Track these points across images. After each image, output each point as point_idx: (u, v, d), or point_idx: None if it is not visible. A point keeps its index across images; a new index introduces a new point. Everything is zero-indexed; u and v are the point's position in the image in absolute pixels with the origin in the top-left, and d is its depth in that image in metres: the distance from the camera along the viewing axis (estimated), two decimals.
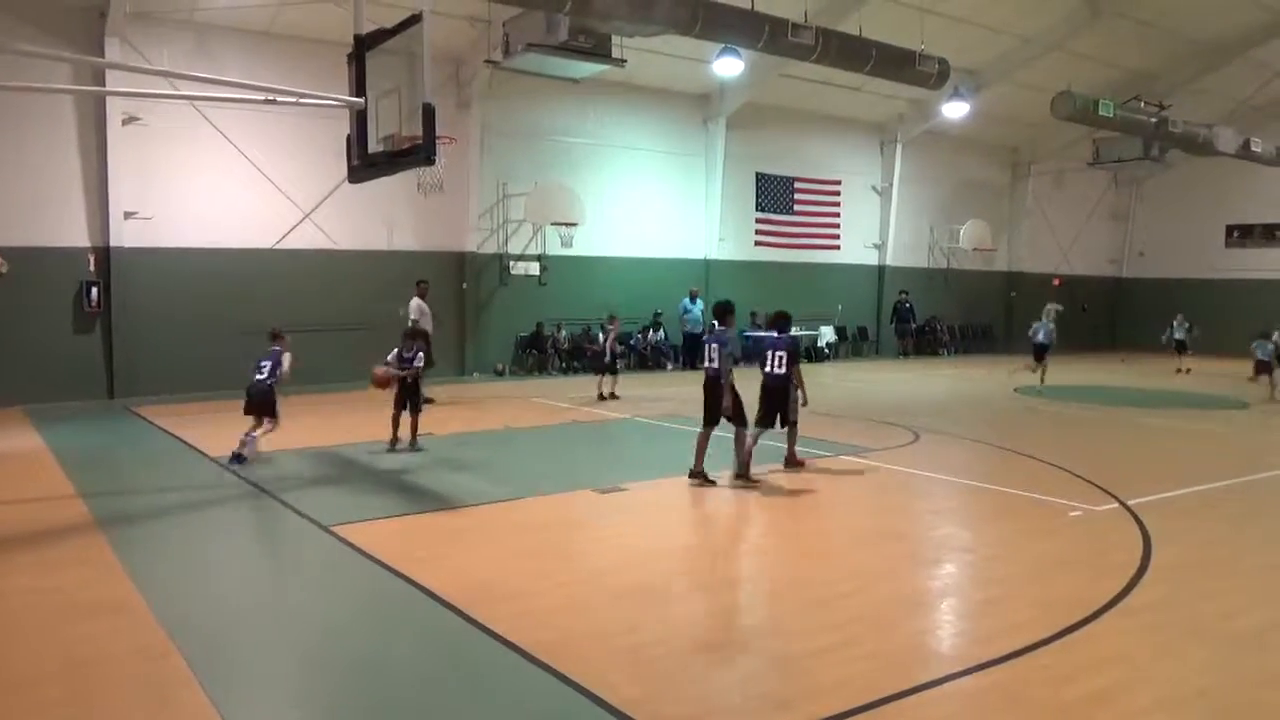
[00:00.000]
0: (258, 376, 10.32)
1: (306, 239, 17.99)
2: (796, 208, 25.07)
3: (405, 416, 11.06)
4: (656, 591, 6.38)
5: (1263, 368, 21.51)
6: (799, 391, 10.18)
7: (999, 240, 29.35)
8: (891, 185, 26.62)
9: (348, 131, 9.82)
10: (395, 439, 11.03)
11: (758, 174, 24.27)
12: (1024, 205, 30.10)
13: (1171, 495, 9.42)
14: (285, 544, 7.75)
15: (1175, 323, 24.76)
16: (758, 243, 24.41)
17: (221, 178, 17.10)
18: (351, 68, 9.66)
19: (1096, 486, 9.62)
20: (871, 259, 26.99)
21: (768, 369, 10.22)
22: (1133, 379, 21.77)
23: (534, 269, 20.80)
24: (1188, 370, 23.36)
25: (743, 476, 9.52)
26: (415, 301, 15.66)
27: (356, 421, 13.26)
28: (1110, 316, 30.20)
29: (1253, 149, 25.14)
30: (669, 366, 22.09)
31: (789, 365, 10.10)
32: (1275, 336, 20.55)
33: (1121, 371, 23.56)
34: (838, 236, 25.94)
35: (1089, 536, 7.91)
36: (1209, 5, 22.24)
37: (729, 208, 23.59)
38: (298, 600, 6.30)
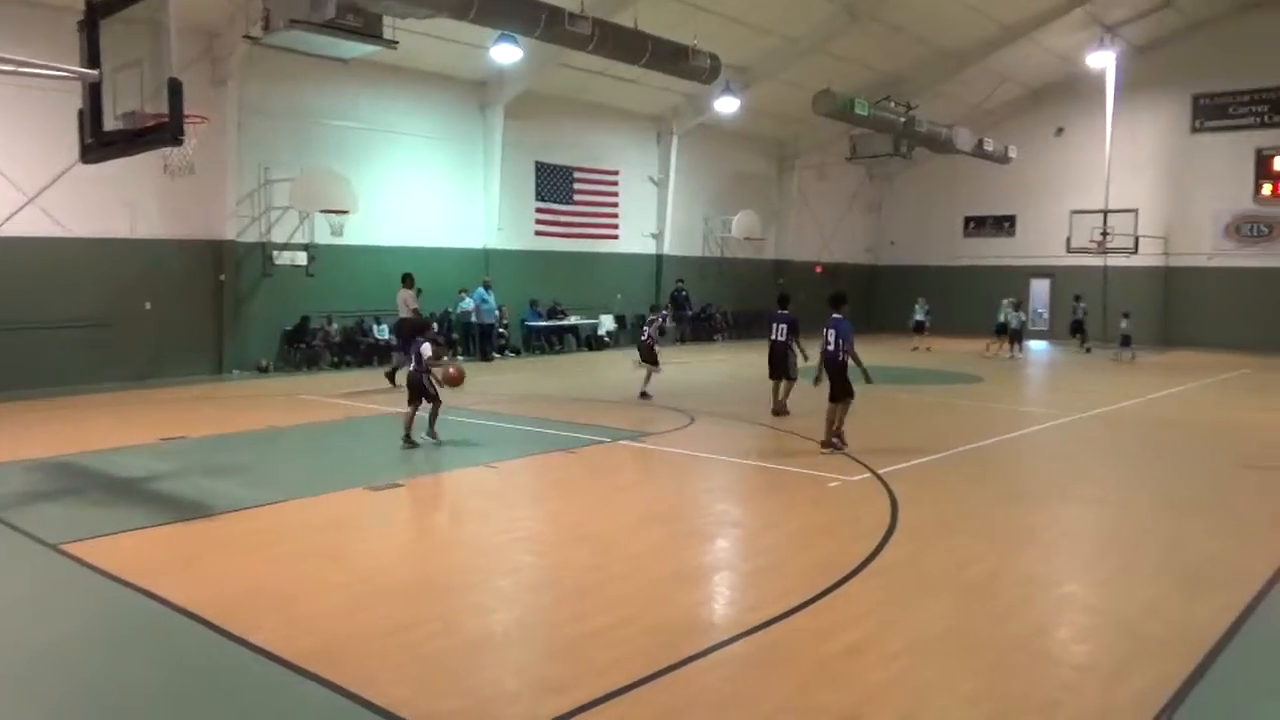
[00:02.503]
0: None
1: (31, 225, 16.18)
2: (576, 197, 25.29)
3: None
4: (431, 587, 6.26)
5: (1005, 332, 24.31)
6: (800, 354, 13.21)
7: (768, 230, 30.95)
8: (668, 176, 27.40)
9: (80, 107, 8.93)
10: (410, 436, 10.98)
11: (537, 163, 24.26)
12: (790, 197, 31.92)
13: (917, 463, 10.33)
14: None
15: (918, 305, 27.19)
16: (538, 232, 24.42)
17: None
18: (83, 36, 8.77)
19: (852, 458, 10.39)
20: (649, 248, 27.68)
21: (773, 336, 13.40)
22: (884, 358, 23.66)
23: (301, 259, 19.76)
24: (927, 348, 25.67)
25: (831, 444, 10.82)
26: (405, 293, 16.27)
27: (95, 428, 12.13)
28: (866, 302, 32.63)
29: (985, 148, 28.03)
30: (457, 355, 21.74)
31: (789, 335, 13.26)
32: (1019, 310, 23.42)
33: (881, 352, 25.58)
34: (616, 226, 26.40)
35: (846, 505, 8.54)
36: (951, 16, 24.47)
37: (508, 197, 23.43)
38: (6, 626, 5.67)
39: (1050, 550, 7.40)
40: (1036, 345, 27.90)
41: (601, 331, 25.74)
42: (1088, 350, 24.78)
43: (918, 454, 10.79)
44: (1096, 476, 10.32)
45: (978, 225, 33.80)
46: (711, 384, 18.16)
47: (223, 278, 18.54)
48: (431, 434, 11.13)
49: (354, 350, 20.26)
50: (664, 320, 16.85)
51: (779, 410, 13.49)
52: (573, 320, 25.05)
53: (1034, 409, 15.53)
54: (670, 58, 18.26)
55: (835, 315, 11.07)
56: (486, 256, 22.98)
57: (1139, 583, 6.52)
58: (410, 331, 11.64)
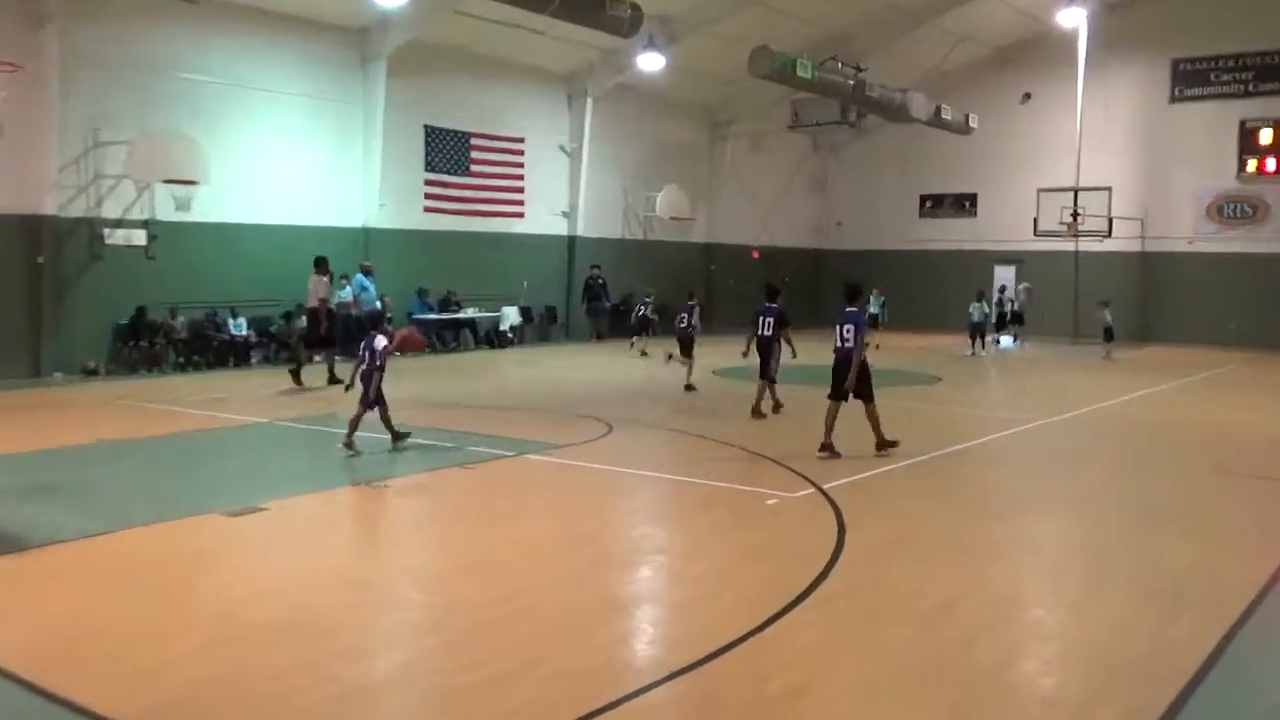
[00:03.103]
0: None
1: None
2: (473, 168, 25.14)
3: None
4: (299, 629, 6.15)
5: (975, 329, 24.95)
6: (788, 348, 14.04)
7: (697, 208, 31.25)
8: (581, 145, 27.44)
9: None
10: (350, 439, 11.25)
11: (427, 128, 24.05)
12: (723, 171, 32.27)
13: (866, 475, 10.56)
14: None
15: (871, 296, 27.74)
16: (428, 208, 24.22)
17: None
18: None
19: (793, 472, 10.56)
20: (560, 228, 27.70)
21: (759, 331, 14.05)
22: (829, 356, 24.13)
23: (139, 238, 19.16)
24: (875, 345, 26.26)
25: (829, 447, 11.38)
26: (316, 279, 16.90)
27: None
28: (810, 292, 33.19)
29: (943, 116, 28.80)
30: (315, 358, 21.37)
31: (776, 329, 13.94)
32: (983, 301, 24.03)
33: (826, 350, 25.97)
34: (521, 203, 26.34)
35: (785, 525, 8.69)
36: None
37: (393, 167, 23.17)
38: None
39: (1014, 569, 7.64)
40: (1005, 341, 28.70)
41: (504, 326, 25.64)
42: (971, 354, 24.75)
43: (867, 465, 11.02)
44: (1066, 486, 10.69)
45: (935, 204, 34.69)
46: (633, 386, 18.22)
47: (41, 260, 17.88)
48: (348, 443, 11.25)
49: (204, 348, 19.77)
50: (698, 312, 18.39)
51: (757, 411, 14.14)
52: (470, 313, 24.90)
53: (998, 413, 15.98)
54: (584, 6, 18.31)
55: (850, 308, 11.50)
56: (367, 237, 22.69)
57: (1110, 603, 6.78)
58: (370, 324, 12.21)
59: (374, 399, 11.45)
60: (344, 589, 6.99)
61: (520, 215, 26.35)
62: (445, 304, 24.32)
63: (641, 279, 29.75)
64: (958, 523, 8.83)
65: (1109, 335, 25.06)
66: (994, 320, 27.45)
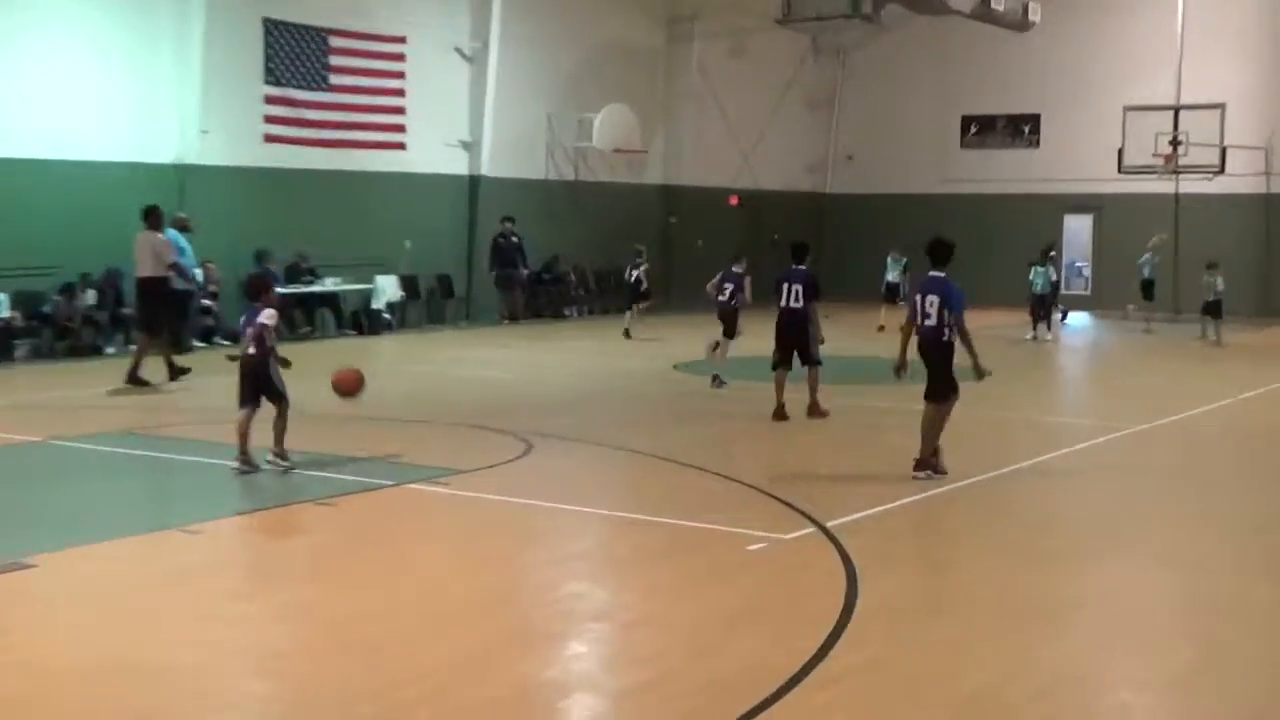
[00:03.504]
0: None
1: None
2: (333, 79, 25.02)
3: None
4: None
5: (1038, 303, 25.08)
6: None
7: (651, 138, 31.29)
8: (487, 47, 27.42)
9: None
10: (247, 456, 11.61)
11: (267, 23, 23.92)
12: (687, 84, 32.30)
13: (887, 509, 10.61)
14: None
15: (890, 259, 27.95)
16: (270, 137, 24.06)
17: None
18: None
19: (786, 504, 10.60)
20: (458, 166, 27.69)
21: (784, 303, 14.86)
22: (838, 342, 24.24)
23: None
24: (881, 328, 26.48)
25: (930, 465, 11.79)
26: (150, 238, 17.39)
27: None
28: (813, 252, 33.01)
29: (993, 6, 28.96)
30: (109, 350, 21.10)
31: (807, 300, 14.67)
32: (1049, 264, 24.23)
33: (833, 332, 26.11)
34: (402, 129, 26.24)
35: (776, 578, 8.70)
36: None
37: (218, 79, 23.03)
38: None
39: (1090, 639, 7.69)
40: (1075, 319, 29.06)
41: (379, 303, 25.54)
42: (1033, 338, 25.15)
43: (887, 494, 11.07)
44: (1159, 521, 10.81)
45: (983, 131, 35.05)
46: (563, 388, 18.21)
47: None
48: (279, 455, 11.73)
49: None
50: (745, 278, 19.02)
51: (813, 409, 14.95)
52: (330, 285, 24.70)
53: (1067, 418, 16.14)
54: None
55: (936, 274, 11.93)
56: (181, 179, 22.53)
57: (1227, 686, 6.84)
58: (250, 292, 12.59)
59: (276, 393, 11.80)
60: (149, 679, 6.90)
61: (400, 147, 26.26)
62: (295, 273, 24.11)
63: (572, 236, 29.79)
64: (1010, 573, 8.88)
65: (1214, 310, 25.16)
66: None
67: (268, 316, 11.75)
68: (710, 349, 17.93)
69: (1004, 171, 34.24)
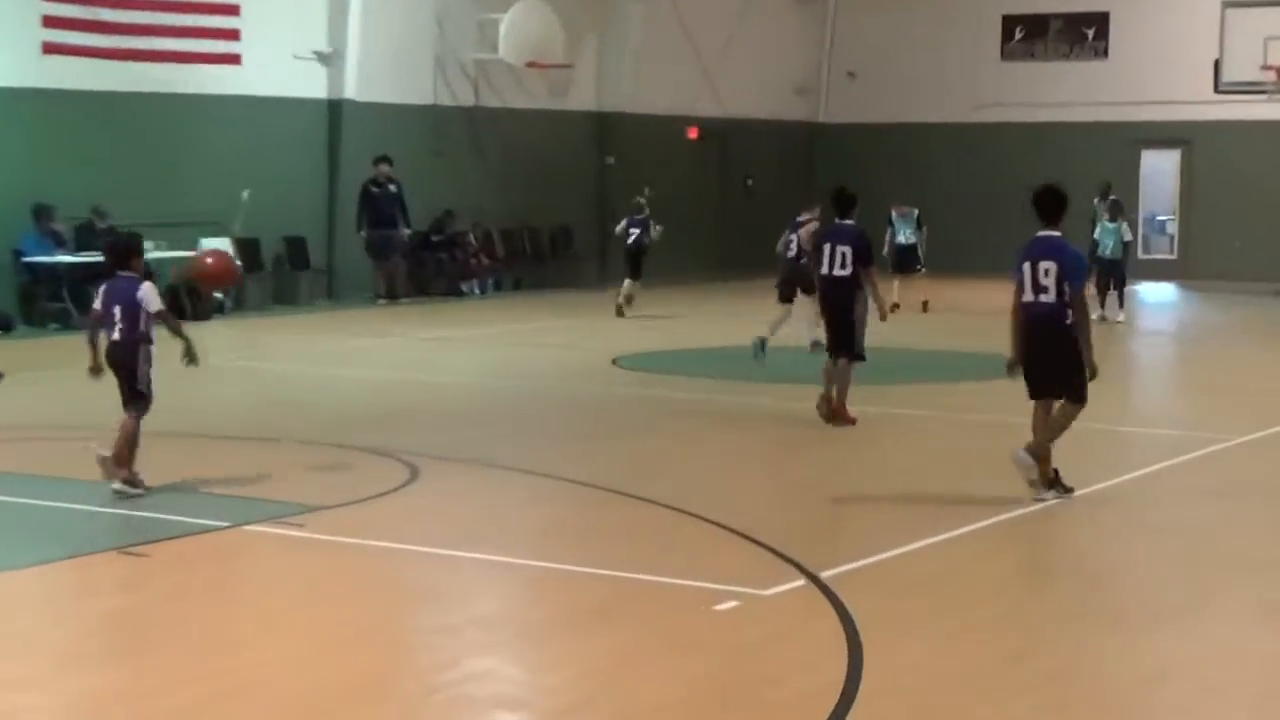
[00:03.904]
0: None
1: None
2: None
3: None
4: None
5: (1108, 272, 25.24)
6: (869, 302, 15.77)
7: (579, 49, 31.32)
8: None
9: None
10: (131, 475, 12.11)
11: None
12: None
13: (899, 554, 10.64)
14: None
15: (896, 216, 27.80)
16: (50, 47, 23.90)
17: None
18: None
19: (764, 547, 10.62)
20: (313, 86, 27.77)
21: (826, 270, 15.66)
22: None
23: None
24: (923, 303, 26.62)
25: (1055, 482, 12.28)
26: None
27: None
28: (798, 198, 33.12)
29: None
30: None
31: (857, 265, 15.54)
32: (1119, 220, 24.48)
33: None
34: (235, 35, 26.17)
35: (750, 647, 8.67)
36: None
37: None
38: None
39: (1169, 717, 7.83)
40: (1150, 290, 29.29)
41: None
42: (1100, 318, 25.42)
43: (902, 533, 11.15)
44: (1264, 565, 10.86)
45: (1031, 34, 35.23)
46: (461, 393, 18.29)
47: None
48: (125, 480, 12.10)
49: None
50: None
51: (837, 412, 15.65)
52: (220, 245, 24.54)
53: (1146, 427, 16.32)
54: None
55: (1049, 233, 12.34)
56: None
57: None
58: (112, 258, 13.02)
59: (141, 391, 12.31)
60: None
61: (233, 60, 26.23)
62: (88, 236, 23.95)
63: (471, 183, 29.83)
64: (1067, 638, 8.95)
65: None
66: None
67: (147, 291, 12.29)
68: (812, 347, 19.23)
69: (1060, 92, 34.44)
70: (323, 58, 27.64)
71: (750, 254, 30.93)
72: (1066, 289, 11.93)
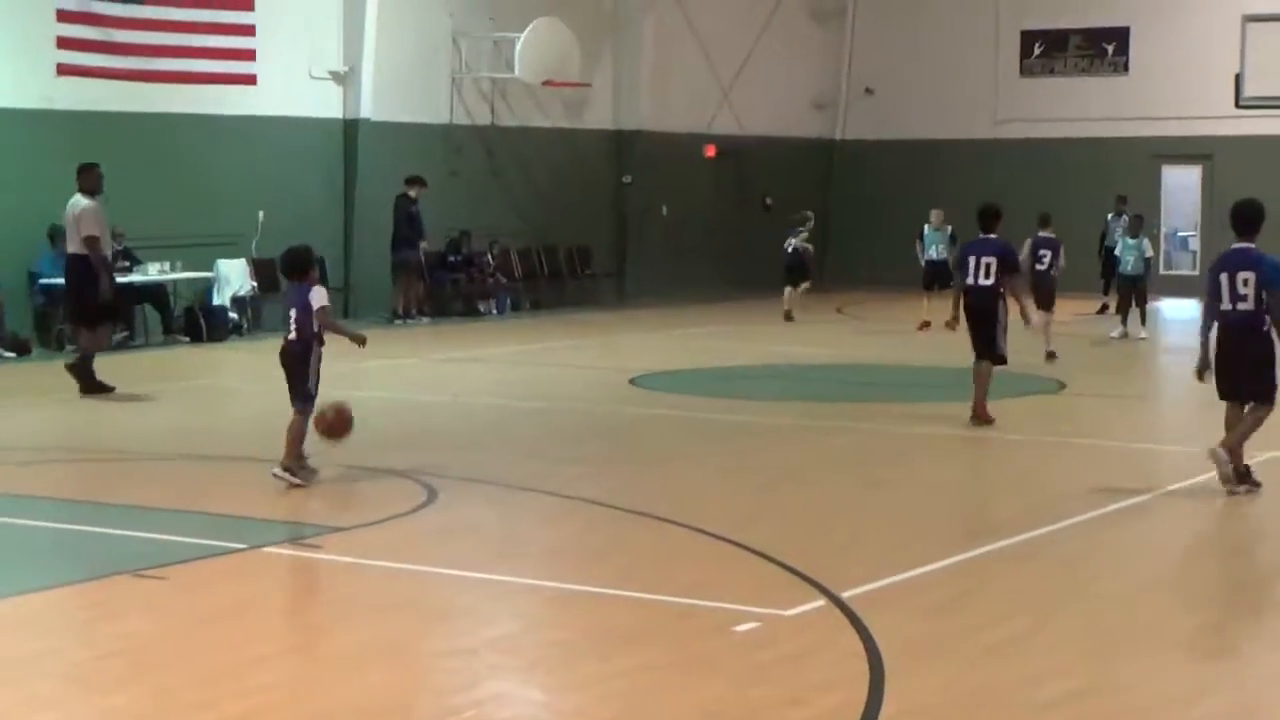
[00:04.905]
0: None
1: None
2: None
3: None
4: None
5: (1128, 287, 25.21)
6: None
7: (595, 67, 31.32)
8: None
9: None
10: (293, 464, 13.07)
11: None
12: None
13: (924, 573, 10.59)
14: None
15: (927, 229, 27.82)
16: (65, 69, 23.97)
17: None
18: None
19: (785, 568, 10.60)
20: (329, 106, 27.77)
21: (971, 280, 16.86)
22: (859, 342, 24.35)
23: None
24: (951, 320, 26.53)
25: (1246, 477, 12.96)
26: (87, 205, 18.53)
27: None
28: (819, 220, 33.18)
29: None
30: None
31: (1001, 277, 16.63)
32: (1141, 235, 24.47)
33: (842, 330, 26.18)
34: (250, 55, 26.22)
35: (769, 669, 8.62)
36: None
37: None
38: None
39: None
40: (1172, 306, 29.14)
41: (222, 298, 25.45)
42: (1122, 335, 25.31)
43: (928, 551, 11.12)
44: None
45: (1051, 50, 35.17)
46: (479, 413, 18.27)
47: None
48: (287, 469, 13.02)
49: None
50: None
51: (978, 411, 16.70)
52: (154, 274, 24.55)
53: (1173, 445, 16.23)
54: None
55: (1245, 245, 12.92)
56: None
57: None
58: (288, 268, 14.10)
59: (308, 392, 13.31)
60: None
61: (249, 80, 26.24)
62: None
63: (488, 203, 29.78)
64: (1093, 656, 8.90)
65: None
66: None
67: (320, 298, 13.43)
68: (1047, 357, 21.42)
69: (1079, 108, 34.37)
70: (338, 77, 27.66)
71: (766, 272, 30.89)
72: (1265, 297, 12.31)
